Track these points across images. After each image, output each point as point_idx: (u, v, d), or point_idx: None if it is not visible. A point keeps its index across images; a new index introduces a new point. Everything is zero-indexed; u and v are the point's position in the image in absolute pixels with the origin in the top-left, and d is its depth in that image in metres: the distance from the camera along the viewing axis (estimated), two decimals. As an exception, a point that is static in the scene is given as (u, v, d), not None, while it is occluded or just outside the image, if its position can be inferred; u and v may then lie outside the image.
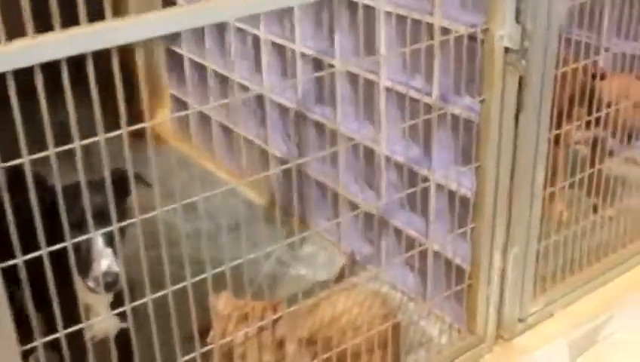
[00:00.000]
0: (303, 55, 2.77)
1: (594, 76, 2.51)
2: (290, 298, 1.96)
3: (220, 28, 3.16)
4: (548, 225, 2.62)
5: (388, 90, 2.44)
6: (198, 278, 1.69)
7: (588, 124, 2.47)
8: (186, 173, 3.54)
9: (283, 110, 2.99)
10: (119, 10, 2.42)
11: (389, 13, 2.36)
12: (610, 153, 2.78)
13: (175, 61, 3.62)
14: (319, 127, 2.80)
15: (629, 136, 2.61)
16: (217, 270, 1.71)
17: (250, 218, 3.23)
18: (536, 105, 2.08)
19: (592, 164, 2.61)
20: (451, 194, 2.33)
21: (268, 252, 2.51)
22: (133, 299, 1.62)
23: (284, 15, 2.78)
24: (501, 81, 1.98)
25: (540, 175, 2.22)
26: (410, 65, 2.34)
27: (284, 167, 2.15)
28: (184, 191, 1.66)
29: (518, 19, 1.91)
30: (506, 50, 1.95)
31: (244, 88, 3.15)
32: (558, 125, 2.56)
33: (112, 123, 1.45)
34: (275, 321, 1.81)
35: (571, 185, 2.55)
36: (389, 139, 2.50)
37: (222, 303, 1.92)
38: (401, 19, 2.30)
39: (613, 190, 2.68)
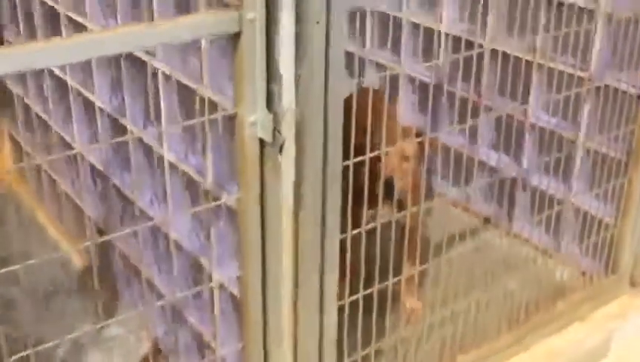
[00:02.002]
0: (102, 111, 2.38)
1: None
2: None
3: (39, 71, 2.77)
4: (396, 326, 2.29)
5: (172, 166, 2.05)
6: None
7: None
8: (14, 224, 3.20)
9: (94, 170, 2.59)
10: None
11: (168, 77, 1.97)
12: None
13: (7, 99, 3.22)
14: (122, 197, 2.41)
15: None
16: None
17: (63, 285, 2.85)
18: (317, 204, 1.70)
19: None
20: (235, 298, 1.94)
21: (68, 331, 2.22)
22: None
23: (84, 66, 2.39)
24: (258, 178, 1.60)
25: (331, 284, 1.83)
26: (190, 143, 1.95)
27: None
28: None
29: (269, 105, 1.52)
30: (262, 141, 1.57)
31: (62, 138, 2.75)
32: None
33: None
34: None
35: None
36: (177, 225, 2.11)
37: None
38: (181, 87, 1.92)
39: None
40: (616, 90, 2.51)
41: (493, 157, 3.07)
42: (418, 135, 2.38)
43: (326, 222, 1.73)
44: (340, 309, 1.89)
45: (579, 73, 2.60)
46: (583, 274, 2.76)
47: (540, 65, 2.81)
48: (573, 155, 2.73)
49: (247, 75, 1.48)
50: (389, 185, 2.21)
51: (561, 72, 2.60)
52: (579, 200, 2.75)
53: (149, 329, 2.48)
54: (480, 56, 2.93)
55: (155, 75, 1.98)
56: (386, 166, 2.20)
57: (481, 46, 2.97)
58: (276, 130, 1.52)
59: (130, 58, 2.09)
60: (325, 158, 1.66)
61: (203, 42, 1.72)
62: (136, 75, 2.12)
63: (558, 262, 2.84)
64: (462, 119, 3.21)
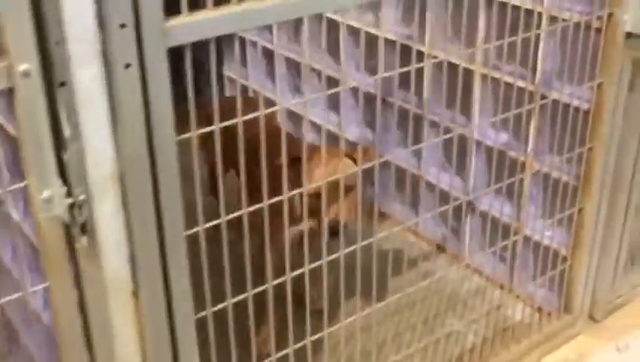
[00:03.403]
0: None
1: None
2: None
3: None
4: None
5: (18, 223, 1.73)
6: None
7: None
8: None
9: None
10: None
11: None
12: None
13: None
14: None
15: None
16: None
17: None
18: (156, 284, 1.38)
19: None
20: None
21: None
22: None
23: None
24: (66, 263, 1.27)
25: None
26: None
27: None
28: None
29: (64, 176, 1.20)
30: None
31: None
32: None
33: None
34: None
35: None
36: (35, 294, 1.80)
37: None
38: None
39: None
40: (564, 104, 2.16)
41: (440, 178, 2.74)
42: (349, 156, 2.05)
43: (172, 303, 1.42)
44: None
45: (524, 84, 2.26)
46: (538, 310, 2.44)
47: (484, 76, 2.47)
48: (522, 178, 2.39)
49: (30, 141, 1.16)
50: (335, 231, 1.93)
51: (505, 83, 2.25)
52: (531, 228, 2.41)
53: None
54: (421, 64, 2.58)
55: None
56: (330, 209, 1.92)
57: (421, 53, 2.63)
58: (75, 205, 1.20)
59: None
60: (161, 228, 1.34)
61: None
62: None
63: (511, 296, 2.51)
64: (404, 134, 2.89)
